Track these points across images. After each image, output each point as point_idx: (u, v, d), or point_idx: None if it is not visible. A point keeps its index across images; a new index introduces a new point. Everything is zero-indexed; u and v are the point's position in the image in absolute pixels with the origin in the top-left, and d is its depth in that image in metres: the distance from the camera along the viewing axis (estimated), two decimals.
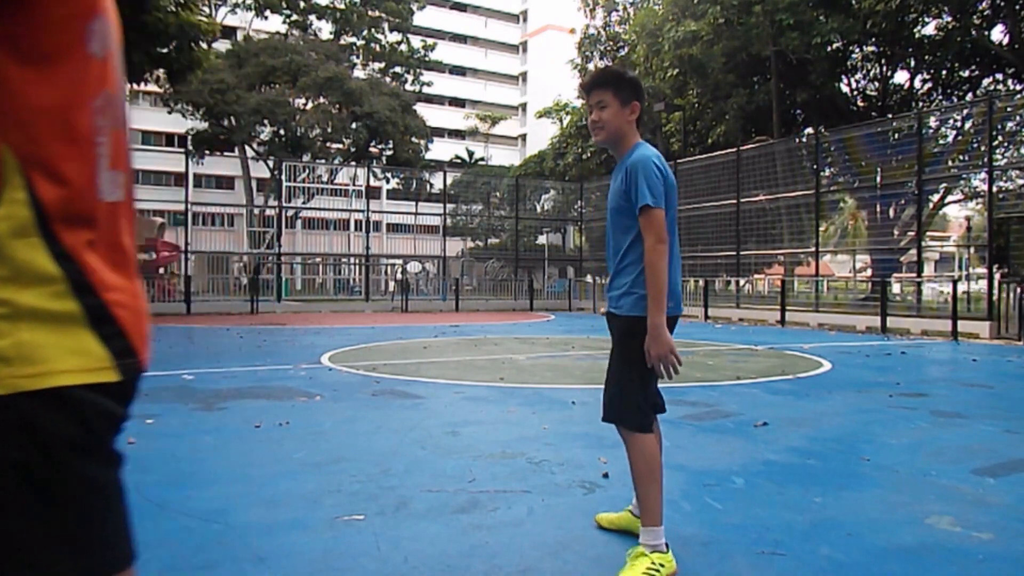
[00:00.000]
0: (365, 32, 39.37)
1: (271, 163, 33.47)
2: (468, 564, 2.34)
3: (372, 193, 25.05)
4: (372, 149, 34.85)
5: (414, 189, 34.80)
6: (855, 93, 24.54)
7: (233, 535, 2.60)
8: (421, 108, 37.88)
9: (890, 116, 18.00)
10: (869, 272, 21.43)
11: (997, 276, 13.01)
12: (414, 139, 35.39)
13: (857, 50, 22.90)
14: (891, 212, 18.90)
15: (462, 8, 63.95)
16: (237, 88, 31.32)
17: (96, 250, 0.81)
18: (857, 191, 18.37)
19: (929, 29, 21.35)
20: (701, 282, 18.48)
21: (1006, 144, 16.87)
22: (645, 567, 2.20)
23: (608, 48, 32.39)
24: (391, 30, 40.29)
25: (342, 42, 38.79)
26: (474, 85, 63.79)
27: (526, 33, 66.84)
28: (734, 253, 18.59)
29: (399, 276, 24.16)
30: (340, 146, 35.11)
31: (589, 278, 23.31)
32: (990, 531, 2.70)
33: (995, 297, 12.77)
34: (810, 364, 8.20)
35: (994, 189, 13.77)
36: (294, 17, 37.76)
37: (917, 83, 23.40)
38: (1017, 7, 18.97)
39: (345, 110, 32.77)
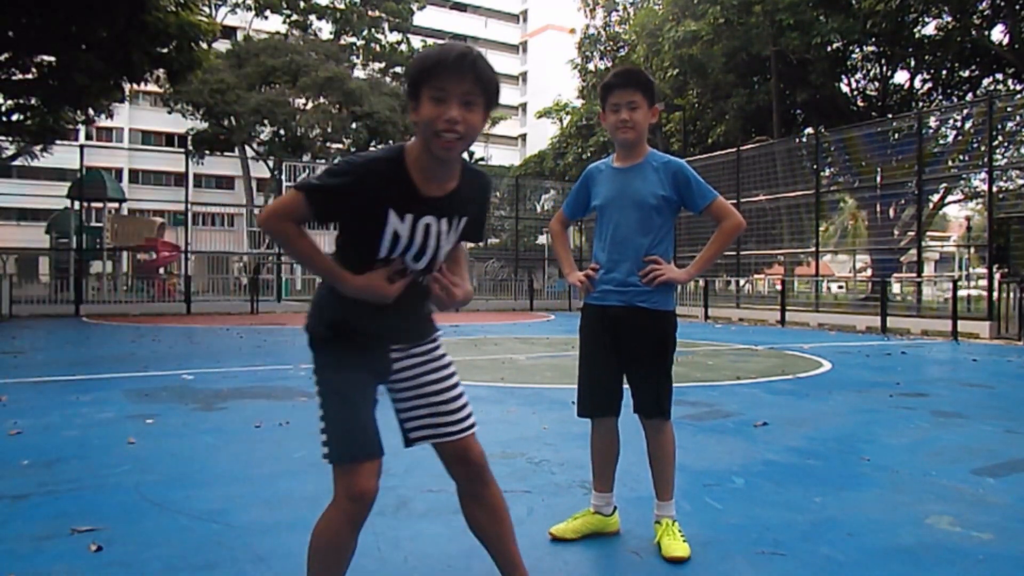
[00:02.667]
0: (365, 32, 39.35)
1: (271, 163, 33.48)
2: (468, 564, 2.34)
3: None
4: (372, 149, 34.83)
5: None
6: (855, 93, 24.54)
7: (233, 535, 2.60)
8: None
9: (890, 116, 18.00)
10: (869, 272, 21.42)
11: (997, 276, 13.00)
12: None
13: (857, 50, 22.89)
14: (891, 212, 18.90)
15: (462, 8, 63.92)
16: (237, 88, 31.31)
17: None
18: (857, 191, 18.37)
19: (929, 29, 21.35)
20: (701, 282, 18.47)
21: (1006, 144, 16.88)
22: (679, 532, 2.50)
23: (608, 48, 32.37)
24: (391, 30, 40.27)
25: (342, 42, 38.77)
26: None
27: (526, 33, 66.82)
28: (734, 253, 18.58)
29: None
30: (340, 146, 35.08)
31: None
32: (990, 531, 2.70)
33: (995, 297, 12.76)
34: (810, 364, 8.20)
35: (994, 189, 13.77)
36: (294, 17, 37.75)
37: (917, 83, 23.40)
38: (1017, 7, 18.97)
39: (345, 110, 32.76)
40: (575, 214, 2.76)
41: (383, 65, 40.22)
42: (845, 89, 24.26)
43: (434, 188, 1.68)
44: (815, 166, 17.26)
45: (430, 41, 43.01)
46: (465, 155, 1.72)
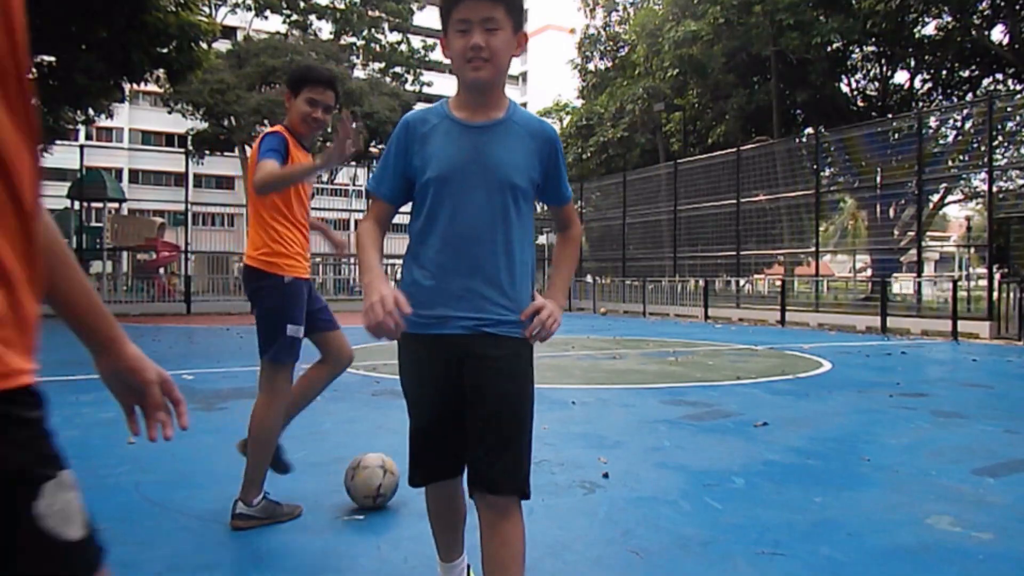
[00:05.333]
0: (365, 32, 39.37)
1: None
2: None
3: None
4: (372, 149, 34.86)
5: None
6: (855, 93, 24.55)
7: (233, 535, 2.60)
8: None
9: (890, 116, 18.00)
10: (869, 272, 21.43)
11: (997, 276, 13.00)
12: None
13: (857, 50, 22.91)
14: (891, 212, 18.90)
15: None
16: (237, 88, 31.33)
17: None
18: (857, 191, 18.38)
19: (929, 29, 21.36)
20: (701, 282, 18.47)
21: (1006, 144, 16.88)
22: None
23: (608, 48, 32.39)
24: (391, 30, 40.29)
25: (342, 42, 38.79)
26: None
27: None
28: (734, 253, 18.59)
29: (399, 276, 24.17)
30: None
31: (589, 278, 23.31)
32: (990, 531, 2.70)
33: (995, 297, 12.76)
34: (810, 364, 8.20)
35: (994, 189, 13.77)
36: (294, 17, 37.77)
37: (917, 83, 23.41)
38: (1017, 7, 18.98)
39: (345, 110, 32.80)
40: (398, 195, 1.79)
41: (383, 65, 40.24)
42: (845, 89, 24.27)
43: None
44: (815, 166, 17.26)
45: (430, 41, 43.09)
46: None
